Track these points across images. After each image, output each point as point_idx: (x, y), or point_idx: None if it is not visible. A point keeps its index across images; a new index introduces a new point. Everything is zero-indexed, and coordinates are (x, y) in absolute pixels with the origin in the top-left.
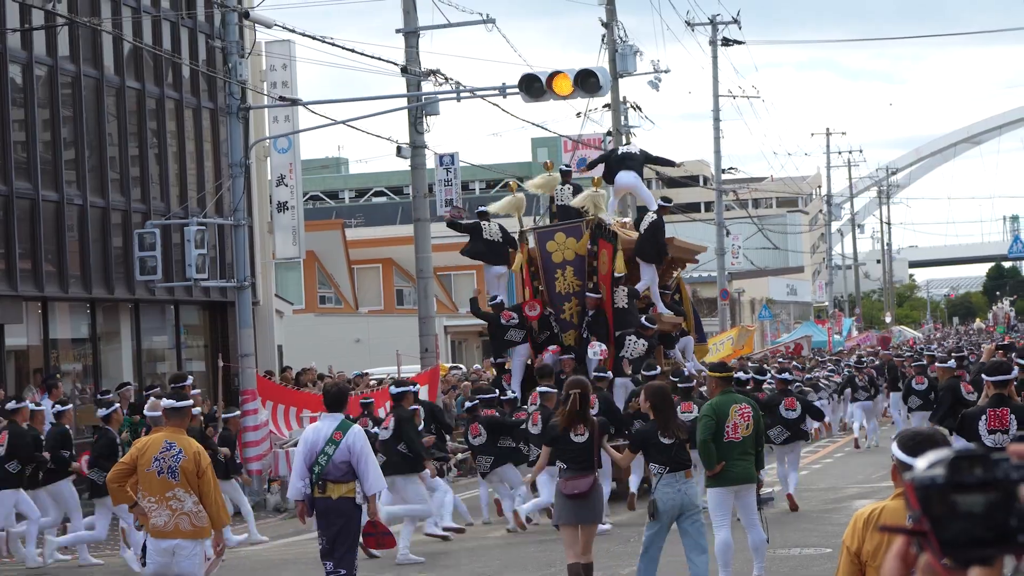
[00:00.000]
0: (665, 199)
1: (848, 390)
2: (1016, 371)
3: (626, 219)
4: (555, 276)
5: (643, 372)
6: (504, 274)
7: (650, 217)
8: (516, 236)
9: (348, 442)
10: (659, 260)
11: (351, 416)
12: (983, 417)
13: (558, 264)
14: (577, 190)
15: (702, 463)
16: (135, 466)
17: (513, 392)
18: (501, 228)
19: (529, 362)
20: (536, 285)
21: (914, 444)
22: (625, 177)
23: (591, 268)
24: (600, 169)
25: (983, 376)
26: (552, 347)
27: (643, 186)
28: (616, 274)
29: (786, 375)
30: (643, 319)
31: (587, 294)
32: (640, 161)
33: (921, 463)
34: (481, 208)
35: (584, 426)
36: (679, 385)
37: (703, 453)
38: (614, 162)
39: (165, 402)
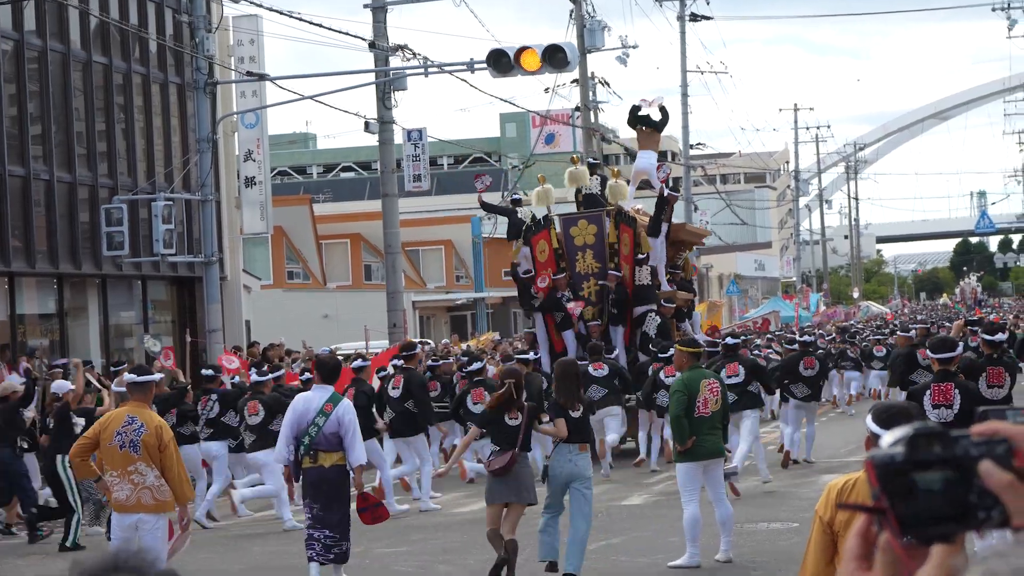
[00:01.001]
0: (669, 181)
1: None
2: (961, 348)
3: (639, 205)
4: (576, 258)
5: (653, 348)
6: (528, 254)
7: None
8: (542, 220)
9: (339, 414)
10: (658, 232)
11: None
12: (927, 392)
13: (579, 247)
14: (603, 181)
15: (674, 438)
16: (97, 440)
17: (535, 354)
18: (533, 214)
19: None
20: (560, 264)
21: (887, 417)
22: (642, 161)
23: (613, 250)
24: (636, 167)
25: (928, 352)
26: (571, 304)
27: (654, 171)
28: (639, 255)
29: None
30: (663, 299)
31: (609, 272)
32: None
33: (883, 441)
34: (515, 195)
35: (517, 411)
36: (709, 349)
37: (676, 428)
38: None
39: (128, 376)
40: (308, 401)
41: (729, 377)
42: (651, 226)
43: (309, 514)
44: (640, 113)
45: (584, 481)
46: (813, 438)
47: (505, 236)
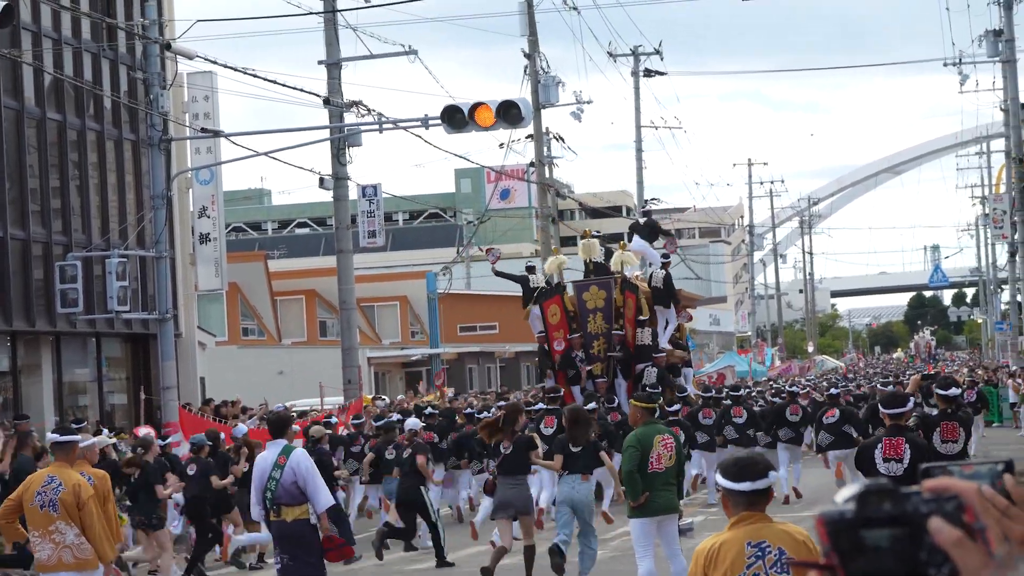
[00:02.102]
0: (664, 255)
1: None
2: (911, 403)
3: (638, 272)
4: (588, 319)
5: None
6: (539, 316)
7: (660, 273)
8: (555, 287)
9: (292, 464)
10: (670, 304)
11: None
12: (879, 446)
13: (591, 310)
14: (608, 253)
15: (627, 493)
16: (21, 502)
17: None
18: (546, 280)
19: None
20: (573, 326)
21: (737, 470)
22: (636, 242)
23: (618, 313)
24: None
25: (880, 407)
26: (586, 367)
27: (650, 248)
28: (640, 317)
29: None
30: (654, 354)
31: (613, 332)
32: (649, 229)
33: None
34: (529, 263)
35: (509, 440)
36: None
37: (628, 483)
38: (631, 229)
39: (50, 436)
40: (264, 459)
41: (735, 418)
42: (664, 299)
43: (279, 564)
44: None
45: (586, 505)
46: (799, 473)
47: (521, 301)
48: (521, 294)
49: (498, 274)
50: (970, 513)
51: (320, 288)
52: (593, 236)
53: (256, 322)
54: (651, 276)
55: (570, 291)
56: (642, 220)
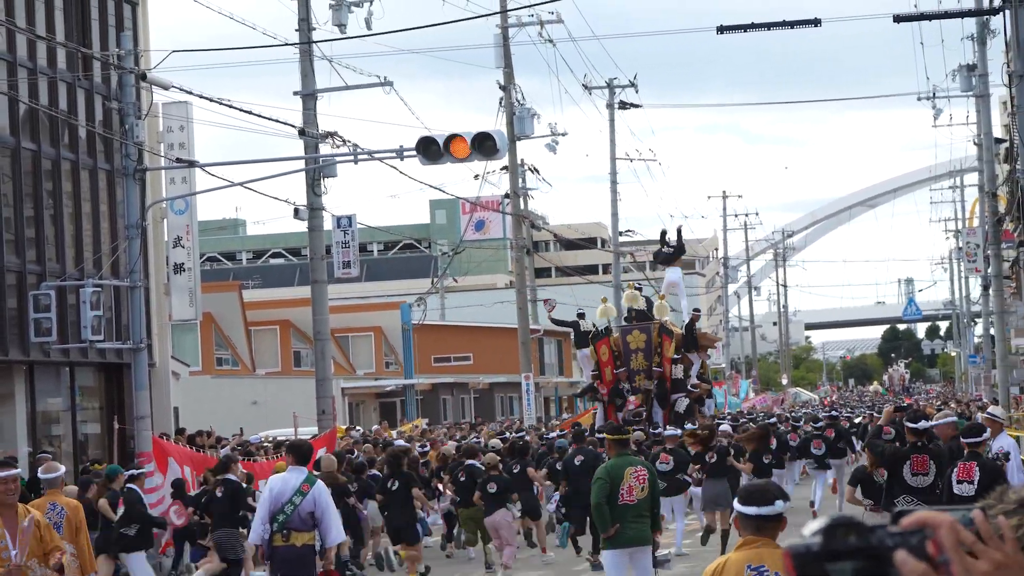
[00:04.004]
0: (695, 309)
1: None
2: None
3: (667, 318)
4: (631, 358)
5: (687, 424)
6: (589, 355)
7: (684, 322)
8: (603, 330)
9: (315, 494)
10: (694, 349)
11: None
12: (908, 461)
13: (633, 350)
14: (648, 302)
15: (596, 525)
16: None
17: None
18: (594, 324)
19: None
20: (617, 363)
21: (747, 495)
22: (670, 275)
23: (657, 353)
24: (667, 280)
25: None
26: (633, 398)
27: (682, 283)
28: (675, 356)
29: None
30: (689, 387)
31: (653, 369)
32: (673, 251)
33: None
34: (580, 311)
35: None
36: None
37: (597, 515)
38: (660, 261)
39: (42, 475)
40: (285, 482)
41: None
42: (690, 344)
43: None
44: (664, 246)
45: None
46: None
47: (552, 332)
48: (572, 335)
49: (554, 321)
50: (934, 546)
51: (294, 318)
52: (635, 288)
53: (230, 352)
54: (684, 324)
55: (615, 334)
56: (665, 249)
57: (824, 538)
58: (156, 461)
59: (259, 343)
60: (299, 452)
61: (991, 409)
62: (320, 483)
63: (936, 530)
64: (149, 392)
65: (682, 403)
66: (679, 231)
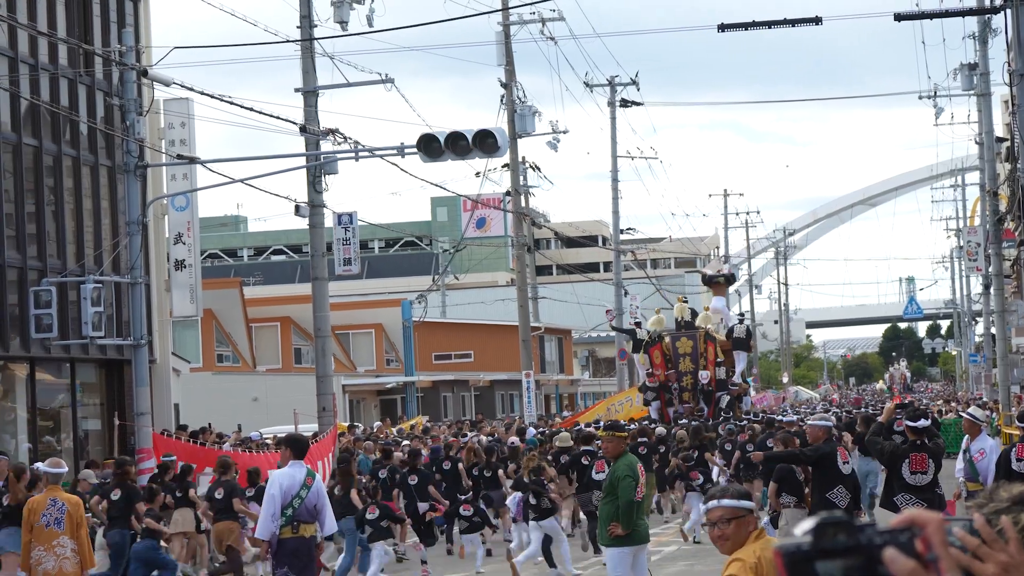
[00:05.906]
0: (740, 315)
1: None
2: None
3: (711, 325)
4: (679, 361)
5: (734, 421)
6: (643, 359)
7: (739, 328)
8: (656, 337)
9: (316, 486)
10: (747, 349)
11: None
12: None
13: (681, 355)
14: (693, 312)
15: (622, 523)
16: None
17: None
18: (648, 332)
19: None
20: (668, 365)
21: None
22: (716, 303)
23: (703, 356)
24: (712, 307)
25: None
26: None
27: (727, 309)
28: (718, 359)
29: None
30: (730, 386)
31: (700, 372)
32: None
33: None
34: (636, 320)
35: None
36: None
37: (627, 513)
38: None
39: (43, 468)
40: (292, 477)
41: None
42: (741, 346)
43: None
44: (714, 274)
45: None
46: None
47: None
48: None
49: (615, 328)
50: (923, 544)
51: (295, 315)
52: (683, 302)
53: (231, 349)
54: (732, 328)
55: (666, 340)
56: (720, 279)
57: (814, 537)
58: (157, 458)
59: (260, 340)
60: (297, 446)
61: (971, 410)
62: (318, 476)
63: (924, 528)
64: (150, 388)
65: (723, 399)
66: (731, 270)
